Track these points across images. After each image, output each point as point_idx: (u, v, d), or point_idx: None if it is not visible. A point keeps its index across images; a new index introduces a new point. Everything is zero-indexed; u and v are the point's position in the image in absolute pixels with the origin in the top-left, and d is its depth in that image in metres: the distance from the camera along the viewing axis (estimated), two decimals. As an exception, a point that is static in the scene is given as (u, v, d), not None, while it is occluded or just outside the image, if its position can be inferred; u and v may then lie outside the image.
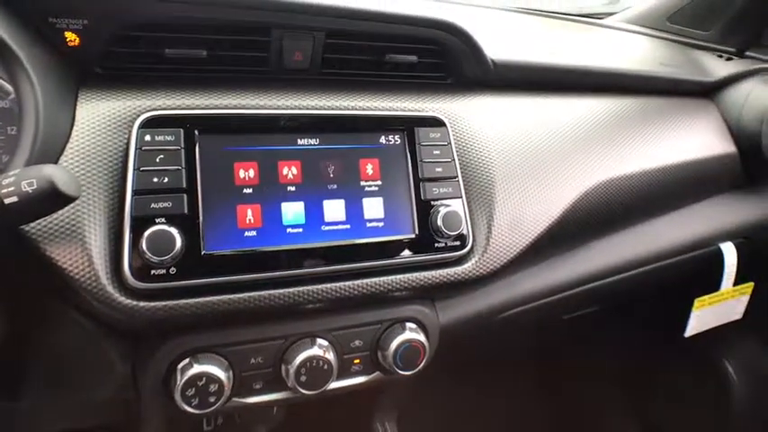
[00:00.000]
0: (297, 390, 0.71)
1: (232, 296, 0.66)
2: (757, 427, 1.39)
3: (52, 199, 0.50)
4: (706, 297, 1.16)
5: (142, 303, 0.63)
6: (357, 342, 0.76)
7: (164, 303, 0.64)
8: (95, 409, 0.82)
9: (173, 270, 0.64)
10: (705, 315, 1.19)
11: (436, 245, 0.76)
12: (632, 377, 1.66)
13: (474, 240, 0.80)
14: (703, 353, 1.47)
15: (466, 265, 0.79)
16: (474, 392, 1.53)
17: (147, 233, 0.62)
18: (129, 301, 0.63)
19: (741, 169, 1.19)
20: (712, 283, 1.18)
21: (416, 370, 0.78)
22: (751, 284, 1.22)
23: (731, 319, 1.25)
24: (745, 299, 1.24)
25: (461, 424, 1.10)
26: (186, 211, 0.65)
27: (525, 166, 0.88)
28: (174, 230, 0.63)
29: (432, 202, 0.77)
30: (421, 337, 0.77)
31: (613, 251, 1.04)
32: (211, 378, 0.67)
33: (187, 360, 0.68)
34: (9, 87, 0.63)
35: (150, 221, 0.63)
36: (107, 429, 0.82)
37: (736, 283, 1.19)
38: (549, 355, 1.69)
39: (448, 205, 0.77)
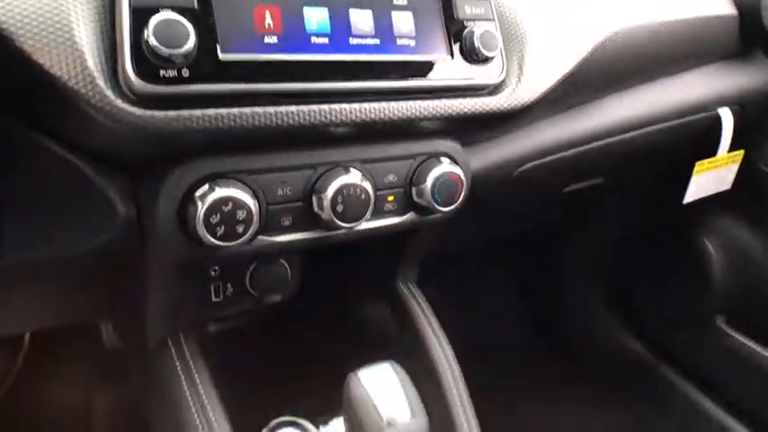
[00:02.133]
0: (332, 222, 0.63)
1: (254, 109, 0.57)
2: (735, 299, 1.44)
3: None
4: (705, 161, 1.16)
5: (151, 112, 0.52)
6: (391, 177, 0.69)
7: (177, 113, 0.53)
8: (86, 267, 0.72)
9: (185, 72, 0.53)
10: (702, 181, 1.20)
11: (470, 69, 0.69)
12: (616, 262, 1.69)
13: (508, 70, 0.74)
14: (684, 234, 1.50)
15: (500, 95, 0.73)
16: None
17: (153, 20, 0.51)
18: (134, 109, 0.52)
19: (739, 34, 1.18)
20: (709, 150, 1.18)
21: (454, 207, 0.72)
22: (741, 152, 1.23)
23: (722, 188, 1.26)
24: (735, 167, 1.25)
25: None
26: (197, 5, 0.54)
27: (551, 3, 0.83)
28: (185, 21, 0.52)
29: (465, 22, 0.69)
30: (458, 170, 0.71)
31: (622, 109, 1.02)
32: (238, 203, 0.58)
33: (206, 186, 0.58)
34: None
35: (154, 10, 0.52)
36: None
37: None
38: (537, 241, 1.70)
39: (482, 26, 0.69)
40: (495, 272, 1.75)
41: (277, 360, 0.92)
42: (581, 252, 1.73)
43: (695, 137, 1.17)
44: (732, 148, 1.20)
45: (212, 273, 0.80)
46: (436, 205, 0.70)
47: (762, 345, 1.39)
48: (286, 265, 0.83)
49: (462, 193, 0.72)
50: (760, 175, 1.29)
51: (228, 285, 0.82)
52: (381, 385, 0.55)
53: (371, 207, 0.66)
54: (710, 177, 1.22)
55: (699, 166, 1.16)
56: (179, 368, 0.69)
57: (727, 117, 1.16)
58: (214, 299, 0.81)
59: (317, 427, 0.72)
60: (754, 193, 1.36)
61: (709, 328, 1.47)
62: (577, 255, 1.74)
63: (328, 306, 1.00)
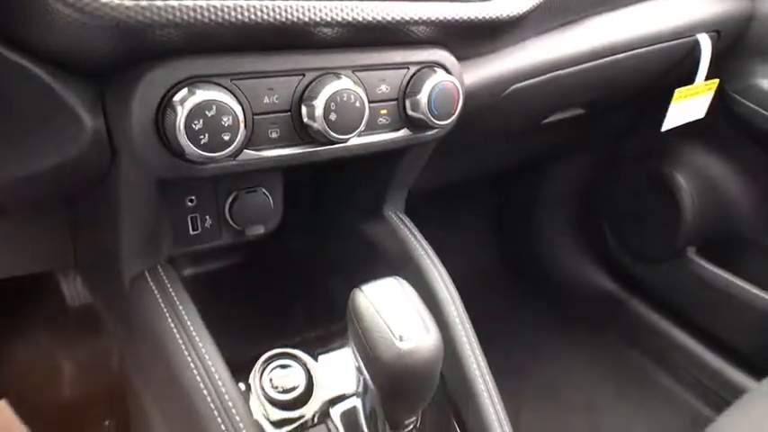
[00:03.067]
0: (324, 134, 0.59)
1: (236, 1, 0.51)
2: (705, 230, 1.47)
3: None
4: (684, 89, 1.16)
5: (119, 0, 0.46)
6: (384, 87, 0.64)
7: (149, 2, 0.47)
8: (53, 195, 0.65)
9: (158, -45, 0.46)
10: (679, 109, 1.20)
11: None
12: (588, 199, 1.70)
13: (500, -27, 0.69)
14: (657, 168, 1.51)
15: (493, 2, 0.68)
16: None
17: None
18: None
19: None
20: (687, 78, 1.18)
21: (450, 121, 0.68)
22: (716, 81, 1.23)
23: (697, 117, 1.26)
24: (710, 96, 1.25)
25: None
26: None
27: None
28: None
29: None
30: (454, 80, 0.67)
31: (605, 32, 1.00)
32: (223, 107, 0.52)
33: (185, 90, 0.52)
34: None
35: None
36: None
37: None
38: (511, 180, 1.69)
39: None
40: (467, 209, 1.74)
41: (264, 299, 0.88)
42: (553, 189, 1.74)
43: (674, 64, 1.16)
44: (707, 77, 1.20)
45: (188, 203, 0.74)
46: (432, 118, 0.66)
47: (731, 273, 1.42)
48: (267, 194, 0.78)
49: (458, 107, 0.68)
50: (732, 103, 1.30)
51: (207, 217, 0.76)
52: (389, 299, 0.52)
53: (366, 117, 0.61)
54: (687, 105, 1.22)
55: (678, 93, 1.15)
56: (160, 301, 0.64)
57: (705, 42, 1.15)
58: (192, 232, 0.76)
59: (315, 359, 0.68)
60: (725, 122, 1.37)
61: (681, 260, 1.50)
62: (550, 192, 1.74)
63: (312, 240, 0.96)
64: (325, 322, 0.75)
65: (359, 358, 0.52)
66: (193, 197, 0.74)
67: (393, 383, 0.49)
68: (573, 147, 1.55)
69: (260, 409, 0.63)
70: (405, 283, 0.54)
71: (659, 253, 1.56)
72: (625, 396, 1.47)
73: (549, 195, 1.74)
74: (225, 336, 0.64)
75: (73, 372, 1.29)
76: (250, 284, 0.92)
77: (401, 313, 0.51)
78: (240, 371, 0.64)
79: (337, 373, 0.68)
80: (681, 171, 1.49)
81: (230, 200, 0.76)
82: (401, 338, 0.49)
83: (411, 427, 0.56)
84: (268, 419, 0.62)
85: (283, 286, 0.91)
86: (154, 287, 0.65)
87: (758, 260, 1.44)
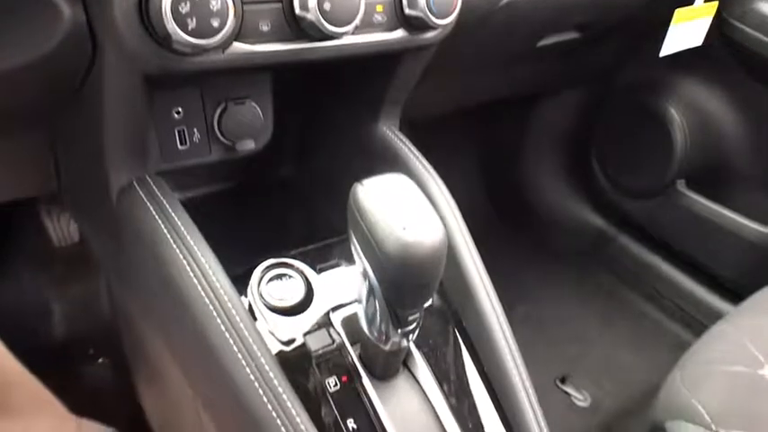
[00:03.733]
0: (317, 26, 0.55)
1: None
2: (695, 162, 1.47)
3: None
4: (684, 9, 1.13)
5: None
6: None
7: None
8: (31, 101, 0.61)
9: None
10: (679, 32, 1.17)
11: None
12: (577, 133, 1.68)
13: None
14: (649, 100, 1.50)
15: None
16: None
17: None
18: None
19: None
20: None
21: (449, 20, 0.65)
22: (715, 3, 1.20)
23: (694, 44, 1.24)
24: (708, 20, 1.23)
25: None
26: None
27: None
28: None
29: None
30: None
31: None
32: (211, -11, 0.48)
33: None
34: None
35: None
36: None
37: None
38: (500, 113, 1.67)
39: None
40: (456, 146, 1.72)
41: (258, 220, 0.86)
42: (543, 126, 1.72)
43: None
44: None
45: (175, 115, 0.71)
46: (431, 15, 0.63)
47: (719, 204, 1.43)
48: (256, 106, 0.75)
49: (457, 4, 0.65)
50: (730, 30, 1.27)
51: (195, 131, 0.73)
52: (391, 192, 0.50)
53: (361, 10, 0.58)
54: (686, 29, 1.19)
55: (678, 13, 1.13)
56: (151, 208, 0.61)
57: (705, -39, 1.12)
58: (180, 146, 0.73)
59: (317, 272, 0.67)
60: (721, 53, 1.35)
61: (670, 194, 1.50)
62: (539, 129, 1.72)
63: (304, 164, 0.93)
64: (323, 238, 0.73)
65: (361, 253, 0.51)
66: (180, 108, 0.71)
67: (398, 275, 0.48)
68: (565, 79, 1.52)
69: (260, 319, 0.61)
70: (406, 178, 0.52)
71: (649, 187, 1.56)
72: (612, 328, 1.50)
73: (539, 132, 1.73)
74: (221, 252, 0.62)
75: (64, 312, 1.28)
76: (243, 208, 0.90)
77: (404, 205, 0.49)
78: (237, 282, 0.62)
79: (337, 284, 0.67)
80: (673, 103, 1.47)
81: (219, 112, 0.73)
82: (405, 229, 0.48)
83: (415, 324, 0.55)
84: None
85: (278, 208, 0.89)
86: (143, 195, 0.63)
87: (747, 192, 1.45)
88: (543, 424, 0.62)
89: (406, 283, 0.49)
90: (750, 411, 0.66)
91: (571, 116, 1.70)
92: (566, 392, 1.28)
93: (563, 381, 1.31)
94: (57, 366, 1.14)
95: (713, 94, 1.45)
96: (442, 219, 0.63)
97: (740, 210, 1.41)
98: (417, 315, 0.54)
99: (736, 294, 1.43)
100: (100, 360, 1.25)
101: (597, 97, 1.64)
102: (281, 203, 0.91)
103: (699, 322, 1.47)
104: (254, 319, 0.61)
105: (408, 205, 0.50)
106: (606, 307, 1.56)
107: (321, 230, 0.75)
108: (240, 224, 0.84)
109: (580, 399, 1.27)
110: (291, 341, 0.60)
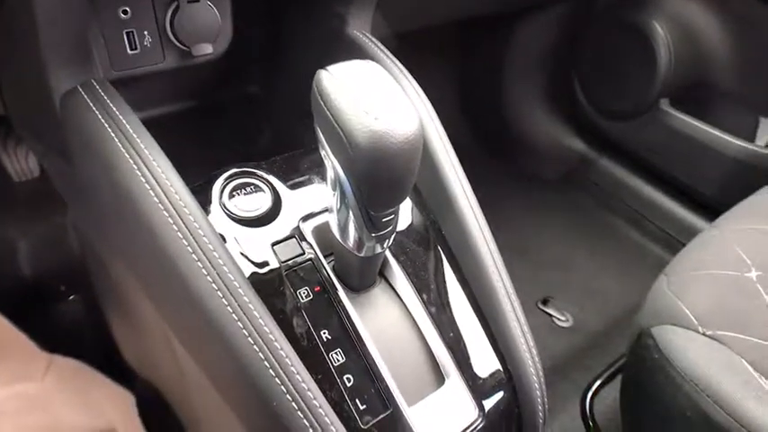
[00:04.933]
0: None
1: None
2: (679, 80, 1.42)
3: None
4: None
5: None
6: None
7: None
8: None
9: None
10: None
11: None
12: (559, 54, 1.62)
13: None
14: (632, 16, 1.44)
15: None
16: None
17: None
18: None
19: None
20: None
21: None
22: None
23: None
24: None
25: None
26: None
27: None
28: None
29: None
30: None
31: None
32: None
33: None
34: None
35: None
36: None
37: None
38: (481, 33, 1.59)
39: None
40: (434, 63, 1.65)
41: (222, 136, 0.80)
42: (524, 48, 1.65)
43: None
44: None
45: (122, 15, 0.64)
46: None
47: (702, 121, 1.40)
48: (212, 5, 0.67)
49: None
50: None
51: (146, 33, 0.66)
52: (360, 79, 0.45)
53: None
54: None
55: None
56: (96, 113, 0.55)
57: None
58: (130, 51, 0.66)
59: (285, 183, 0.61)
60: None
61: (653, 113, 1.47)
62: (520, 51, 1.65)
63: (271, 80, 0.87)
64: (291, 149, 0.68)
65: (327, 148, 0.46)
66: (127, 8, 0.64)
67: (369, 170, 0.44)
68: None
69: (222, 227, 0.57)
70: (377, 65, 0.47)
71: (632, 107, 1.52)
72: (595, 252, 1.49)
73: (520, 54, 1.66)
74: (179, 167, 0.57)
75: (31, 250, 1.23)
76: (205, 126, 0.84)
77: (375, 93, 0.44)
78: (198, 193, 0.57)
79: (307, 194, 0.62)
80: (658, 18, 1.41)
81: (170, 11, 0.66)
82: (377, 119, 0.43)
83: (390, 229, 0.51)
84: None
85: (242, 125, 0.83)
86: (88, 100, 0.56)
87: (730, 109, 1.42)
88: (526, 329, 0.60)
89: (379, 178, 0.44)
90: (736, 312, 0.65)
91: (553, 36, 1.64)
92: (548, 314, 1.28)
93: (545, 303, 1.31)
94: (27, 306, 1.11)
95: (699, 8, 1.39)
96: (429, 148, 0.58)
97: (724, 127, 1.38)
98: (392, 217, 0.50)
99: (719, 213, 1.42)
100: (71, 297, 1.22)
101: (579, 14, 1.57)
102: (246, 120, 0.85)
103: (681, 244, 1.46)
104: (223, 239, 0.57)
105: (379, 93, 0.44)
106: (589, 231, 1.55)
107: (288, 144, 0.69)
108: (201, 141, 0.78)
109: (562, 320, 1.27)
110: (258, 252, 0.56)
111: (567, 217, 1.59)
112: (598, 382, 0.98)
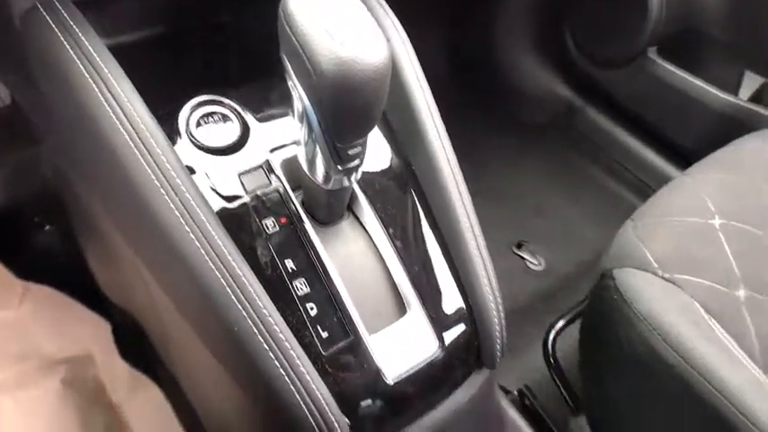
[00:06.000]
0: None
1: None
2: (669, 29, 1.40)
3: None
4: None
5: None
6: None
7: None
8: None
9: None
10: None
11: None
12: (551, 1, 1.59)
13: None
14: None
15: None
16: None
17: None
18: None
19: None
20: None
21: None
22: None
23: None
24: None
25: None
26: None
27: None
28: None
29: None
30: None
31: None
32: None
33: None
34: None
35: None
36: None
37: None
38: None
39: None
40: (423, 13, 1.61)
41: (189, 64, 0.78)
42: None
43: None
44: None
45: None
46: None
47: (687, 72, 1.39)
48: None
49: None
50: None
51: None
52: (329, 4, 0.43)
53: None
54: None
55: None
56: (57, 32, 0.53)
57: None
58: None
59: (254, 114, 0.60)
60: None
61: (641, 62, 1.45)
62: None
63: (243, 9, 0.83)
64: (262, 80, 0.66)
65: (293, 76, 0.45)
66: None
67: (335, 98, 0.43)
68: None
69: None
70: None
71: (621, 54, 1.50)
72: (573, 200, 1.50)
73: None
74: (146, 92, 0.55)
75: (3, 179, 1.21)
76: (175, 54, 0.81)
77: (344, 18, 0.43)
78: (163, 122, 0.56)
79: (276, 124, 0.61)
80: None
81: None
82: (343, 44, 0.42)
83: (357, 161, 0.51)
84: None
85: (212, 54, 0.81)
86: (48, 18, 0.54)
87: (717, 62, 1.41)
88: (490, 266, 0.61)
89: (343, 107, 0.44)
90: (695, 257, 0.66)
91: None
92: (521, 257, 1.31)
93: (519, 247, 1.33)
94: (0, 236, 1.10)
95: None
96: (394, 54, 0.57)
97: (709, 79, 1.37)
98: (359, 150, 0.50)
99: (697, 164, 1.44)
100: (47, 228, 1.21)
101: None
102: (216, 49, 0.82)
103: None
104: (191, 170, 0.56)
105: (348, 18, 0.43)
106: (569, 179, 1.56)
107: (259, 75, 0.68)
108: (169, 70, 0.76)
109: (534, 263, 1.30)
110: (225, 182, 0.56)
111: (549, 163, 1.60)
112: (562, 322, 1.01)
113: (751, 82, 1.42)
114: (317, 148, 0.50)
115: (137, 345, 0.89)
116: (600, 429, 0.76)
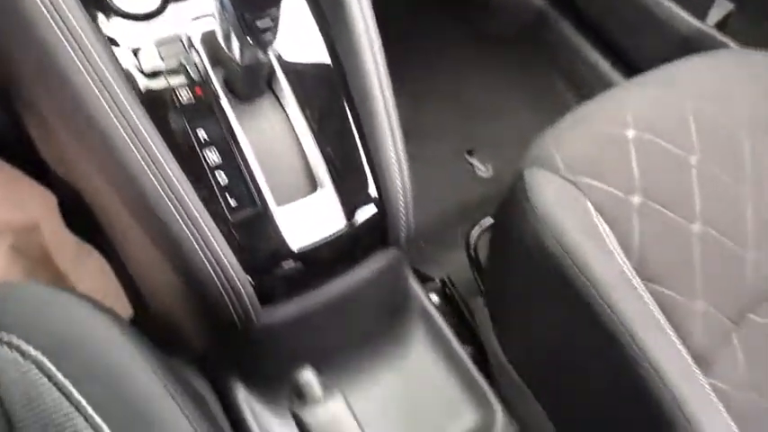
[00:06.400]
0: None
1: None
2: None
3: None
4: None
5: None
6: None
7: None
8: None
9: None
10: None
11: None
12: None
13: None
14: None
15: None
16: None
17: None
18: None
19: None
20: None
21: None
22: None
23: None
24: None
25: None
26: None
27: None
28: None
29: None
30: None
31: None
32: None
33: None
34: None
35: None
36: None
37: None
38: None
39: None
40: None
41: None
42: None
43: None
44: None
45: None
46: None
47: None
48: None
49: None
50: None
51: None
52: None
53: None
54: None
55: None
56: None
57: None
58: None
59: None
60: None
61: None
62: None
63: None
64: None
65: None
66: None
67: None
68: None
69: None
70: None
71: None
72: (531, 108, 1.51)
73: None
74: None
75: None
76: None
77: None
78: None
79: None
80: None
81: None
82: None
83: (269, 35, 0.52)
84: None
85: None
86: None
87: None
88: (402, 153, 0.64)
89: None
90: (600, 163, 0.70)
91: None
92: (470, 164, 1.34)
93: (470, 153, 1.36)
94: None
95: None
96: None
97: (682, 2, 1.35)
98: (268, 22, 0.51)
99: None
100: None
101: None
102: None
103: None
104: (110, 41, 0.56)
105: None
106: (529, 89, 1.56)
107: None
108: None
109: (483, 170, 1.34)
110: (141, 49, 0.57)
111: (510, 73, 1.59)
112: (490, 221, 1.05)
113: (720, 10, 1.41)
114: (230, 23, 0.51)
115: (81, 217, 0.92)
116: (494, 315, 0.84)
